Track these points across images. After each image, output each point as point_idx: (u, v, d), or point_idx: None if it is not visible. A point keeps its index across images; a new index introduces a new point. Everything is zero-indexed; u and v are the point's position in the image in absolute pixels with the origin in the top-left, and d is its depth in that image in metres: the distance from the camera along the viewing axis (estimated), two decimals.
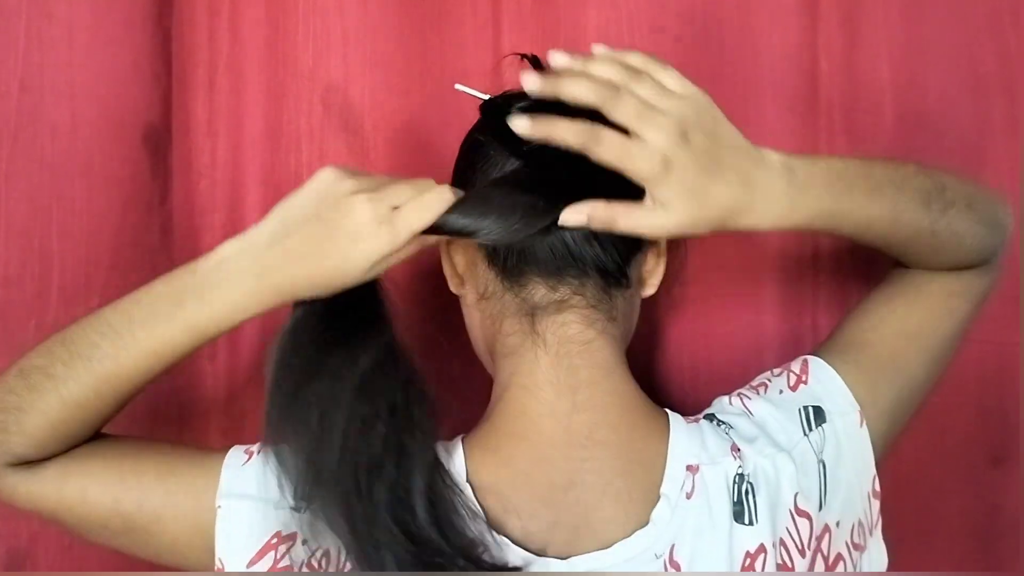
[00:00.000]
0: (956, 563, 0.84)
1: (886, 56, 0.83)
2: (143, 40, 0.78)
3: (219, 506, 0.58)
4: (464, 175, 0.63)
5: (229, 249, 0.58)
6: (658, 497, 0.57)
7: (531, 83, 0.55)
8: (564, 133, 0.54)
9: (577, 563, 0.56)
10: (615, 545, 0.56)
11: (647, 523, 0.56)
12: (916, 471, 0.82)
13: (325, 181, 0.56)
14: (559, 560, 0.56)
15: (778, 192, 0.56)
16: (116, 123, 0.77)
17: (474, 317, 0.66)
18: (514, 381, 0.61)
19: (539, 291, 0.60)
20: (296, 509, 0.55)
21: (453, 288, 0.66)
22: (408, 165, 0.82)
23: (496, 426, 0.61)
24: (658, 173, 0.53)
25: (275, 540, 0.57)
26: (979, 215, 0.64)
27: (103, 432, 0.63)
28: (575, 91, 0.54)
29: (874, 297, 0.69)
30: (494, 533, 0.55)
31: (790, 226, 0.58)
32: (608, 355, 0.61)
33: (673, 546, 0.56)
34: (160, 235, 0.81)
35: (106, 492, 0.59)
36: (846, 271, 0.84)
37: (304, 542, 0.56)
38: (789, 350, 0.83)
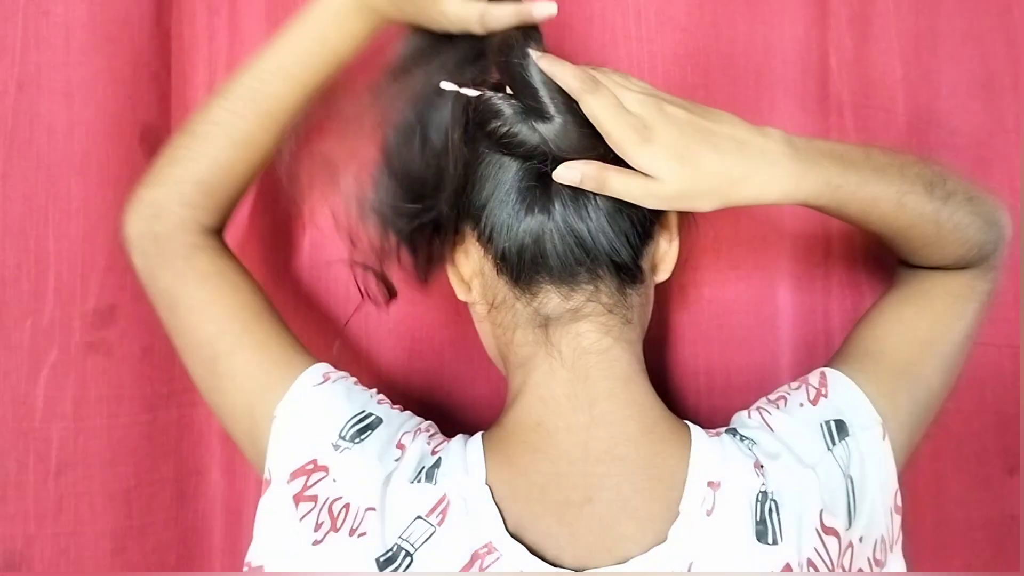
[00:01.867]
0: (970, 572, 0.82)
1: (898, 52, 0.81)
2: (141, 39, 0.78)
3: (275, 416, 0.60)
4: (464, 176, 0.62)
5: None
6: (677, 514, 0.55)
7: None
8: (566, 75, 0.56)
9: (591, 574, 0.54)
10: (631, 561, 0.54)
11: (665, 540, 0.55)
12: (932, 480, 0.80)
13: None
14: (574, 572, 0.54)
15: (782, 163, 0.56)
16: (113, 123, 0.77)
17: (484, 326, 0.65)
18: (529, 390, 0.60)
19: (552, 300, 0.59)
20: (335, 447, 0.58)
21: (460, 295, 0.65)
22: None
23: (512, 434, 0.60)
24: (640, 140, 0.54)
25: (310, 466, 0.58)
26: (978, 209, 0.64)
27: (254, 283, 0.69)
28: (564, 76, 0.56)
29: (881, 306, 0.69)
30: (511, 540, 0.54)
31: (798, 200, 0.57)
32: (626, 363, 0.60)
33: (691, 565, 0.54)
34: None
35: (219, 319, 0.64)
36: (860, 272, 0.82)
37: (334, 480, 0.57)
38: (804, 354, 0.81)
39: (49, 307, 0.75)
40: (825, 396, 0.62)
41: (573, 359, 0.59)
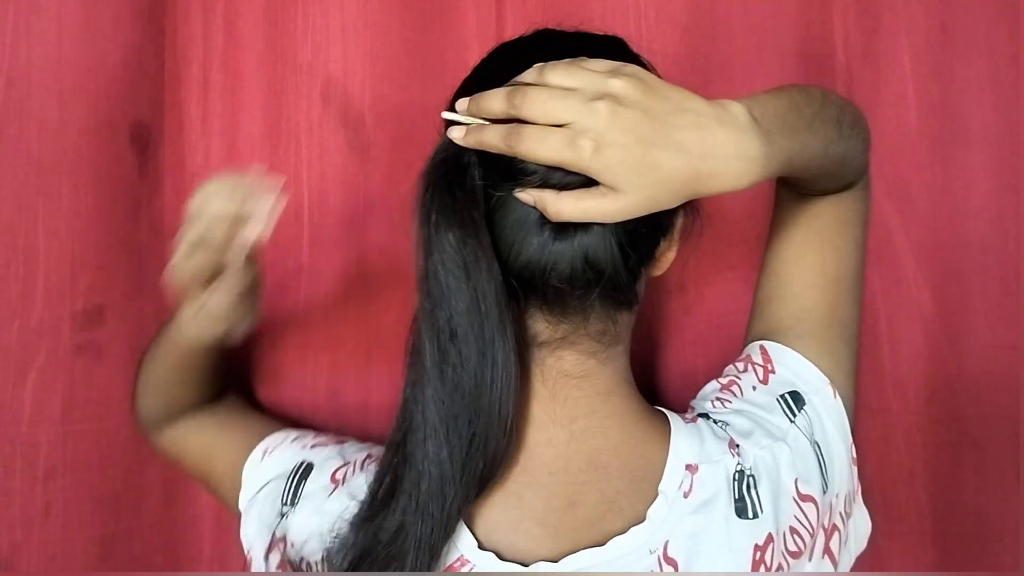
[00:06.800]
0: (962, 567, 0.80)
1: (907, 44, 0.79)
2: (134, 36, 0.76)
3: (240, 512, 0.66)
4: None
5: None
6: (656, 495, 0.56)
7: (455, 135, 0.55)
8: (489, 138, 0.52)
9: (568, 562, 0.55)
10: (609, 542, 0.55)
11: (643, 520, 0.56)
12: (936, 486, 0.78)
13: None
14: (549, 563, 0.55)
15: (751, 152, 0.50)
16: (105, 121, 0.75)
17: None
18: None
19: (539, 324, 0.57)
20: (281, 515, 0.61)
21: None
22: (409, 160, 0.78)
23: None
24: (590, 156, 0.48)
25: (271, 540, 0.62)
26: (862, 132, 0.64)
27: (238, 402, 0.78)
28: (489, 106, 0.52)
29: (781, 258, 0.67)
30: (481, 551, 0.55)
31: (763, 181, 0.52)
32: (607, 379, 0.59)
33: (667, 542, 0.55)
34: (149, 236, 0.79)
35: (213, 448, 0.72)
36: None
37: (292, 544, 0.59)
38: None
39: (38, 308, 0.73)
40: (773, 372, 0.63)
41: (554, 380, 0.58)
